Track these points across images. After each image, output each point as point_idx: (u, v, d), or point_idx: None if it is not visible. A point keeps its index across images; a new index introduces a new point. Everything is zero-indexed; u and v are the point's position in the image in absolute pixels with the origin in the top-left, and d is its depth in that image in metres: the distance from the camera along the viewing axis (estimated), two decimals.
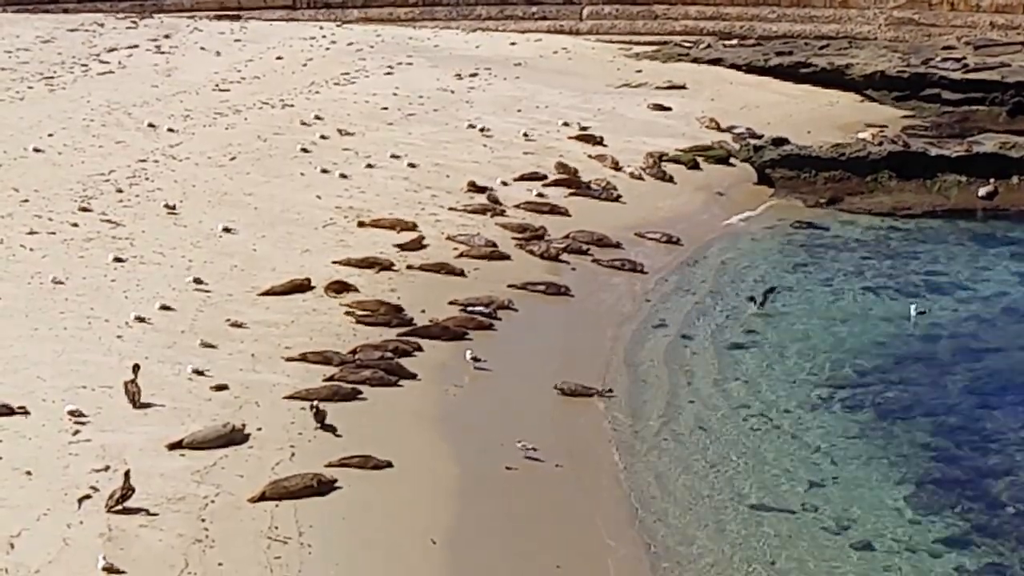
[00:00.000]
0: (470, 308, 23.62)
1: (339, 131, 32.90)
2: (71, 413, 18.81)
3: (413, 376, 21.18)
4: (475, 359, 21.78)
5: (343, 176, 29.85)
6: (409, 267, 25.36)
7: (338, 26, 46.80)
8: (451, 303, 23.88)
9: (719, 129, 35.53)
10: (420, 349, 22.07)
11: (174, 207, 27.19)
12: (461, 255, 26.19)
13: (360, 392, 20.44)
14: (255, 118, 33.85)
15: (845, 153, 32.56)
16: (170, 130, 32.33)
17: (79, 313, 22.20)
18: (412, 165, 30.83)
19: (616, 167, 32.02)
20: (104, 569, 15.58)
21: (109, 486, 17.01)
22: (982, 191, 31.79)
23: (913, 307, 25.01)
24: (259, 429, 18.96)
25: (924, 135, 35.75)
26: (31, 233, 25.36)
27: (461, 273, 25.39)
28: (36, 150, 30.18)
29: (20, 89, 35.77)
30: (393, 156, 31.29)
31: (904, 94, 39.67)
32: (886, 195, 32.01)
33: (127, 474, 16.96)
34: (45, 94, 35.48)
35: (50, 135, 31.37)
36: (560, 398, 21.08)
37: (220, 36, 44.05)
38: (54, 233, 25.50)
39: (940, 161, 32.38)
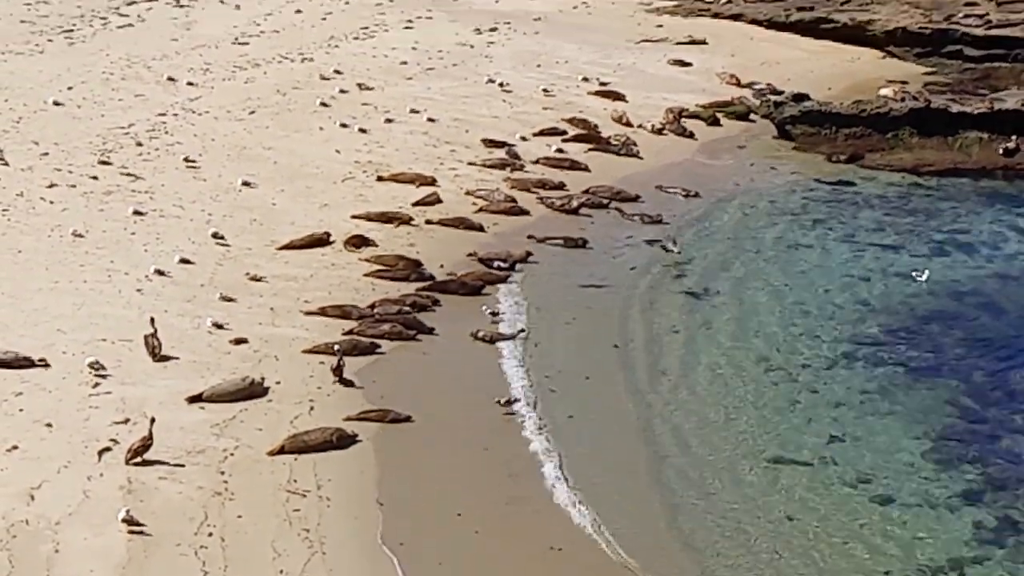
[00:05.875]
0: (490, 262, 23.65)
1: (358, 85, 32.82)
2: (91, 366, 18.90)
3: (431, 330, 21.21)
4: (492, 313, 21.77)
5: (362, 130, 29.81)
6: (428, 222, 25.35)
7: None
8: (470, 255, 23.91)
9: (739, 85, 35.39)
10: (438, 303, 22.15)
11: (194, 161, 27.21)
12: (480, 210, 26.16)
13: (379, 346, 20.50)
14: (274, 72, 33.79)
15: (866, 110, 32.32)
16: (189, 84, 32.30)
17: (99, 266, 22.25)
18: (431, 120, 30.77)
19: (635, 123, 31.90)
20: (124, 521, 15.67)
21: (129, 439, 17.10)
22: (1003, 148, 31.58)
23: (916, 273, 24.73)
24: (278, 382, 19.03)
25: (946, 92, 35.49)
26: (51, 186, 25.41)
27: (480, 228, 25.38)
28: (56, 103, 30.18)
29: (39, 42, 35.72)
30: (412, 111, 31.24)
31: (926, 51, 39.36)
32: (907, 152, 31.80)
33: (152, 421, 17.05)
34: (64, 47, 35.44)
35: (69, 88, 31.36)
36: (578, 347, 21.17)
37: None
38: (74, 186, 25.53)
39: (962, 118, 32.14)
